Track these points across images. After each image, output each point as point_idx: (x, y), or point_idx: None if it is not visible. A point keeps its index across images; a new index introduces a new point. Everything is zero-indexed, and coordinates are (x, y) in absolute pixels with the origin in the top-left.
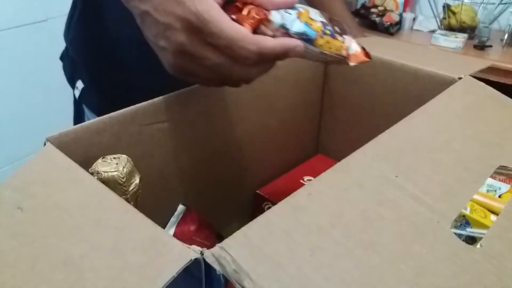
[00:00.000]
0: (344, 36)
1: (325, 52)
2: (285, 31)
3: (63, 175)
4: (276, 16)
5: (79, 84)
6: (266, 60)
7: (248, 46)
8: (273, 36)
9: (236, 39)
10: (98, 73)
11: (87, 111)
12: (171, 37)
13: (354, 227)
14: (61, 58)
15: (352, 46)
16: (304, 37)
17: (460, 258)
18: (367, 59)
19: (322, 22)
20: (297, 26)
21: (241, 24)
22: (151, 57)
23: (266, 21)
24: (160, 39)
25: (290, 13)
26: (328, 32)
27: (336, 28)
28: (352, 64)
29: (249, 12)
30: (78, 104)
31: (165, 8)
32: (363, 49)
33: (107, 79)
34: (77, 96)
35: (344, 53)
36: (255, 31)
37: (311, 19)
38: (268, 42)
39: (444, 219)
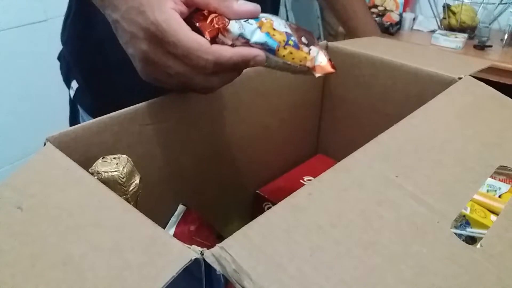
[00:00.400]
0: (311, 47)
1: (288, 62)
2: (245, 41)
3: (63, 175)
4: (234, 26)
5: (74, 84)
6: (224, 69)
7: (205, 56)
8: (232, 46)
9: (193, 49)
10: (91, 73)
11: (81, 111)
12: (135, 45)
13: (354, 227)
14: (59, 58)
15: (318, 57)
16: (265, 47)
17: (460, 258)
18: (332, 70)
19: (286, 32)
20: (257, 36)
21: (203, 32)
22: None
23: (224, 30)
24: (128, 47)
25: (250, 23)
26: (291, 42)
27: (303, 39)
28: (317, 75)
29: (211, 20)
30: (73, 104)
31: (130, 17)
32: (330, 60)
33: (100, 79)
34: (71, 96)
35: (308, 64)
36: (215, 40)
37: (274, 29)
38: (225, 51)
39: (444, 219)
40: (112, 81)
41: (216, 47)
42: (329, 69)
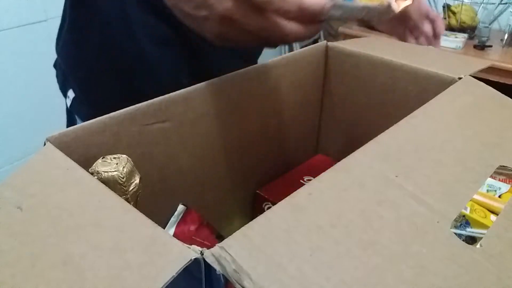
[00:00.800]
0: None
1: (368, 5)
2: None
3: (63, 175)
4: None
5: (70, 94)
6: (306, 15)
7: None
8: None
9: None
10: (87, 82)
11: (78, 121)
12: (215, 5)
13: (354, 227)
14: (54, 66)
15: None
16: None
17: (460, 258)
18: (410, 1)
19: None
20: None
21: None
22: (141, 67)
23: None
24: (201, 10)
25: None
26: None
27: None
28: (399, 9)
29: None
30: (70, 113)
31: None
32: None
33: (96, 88)
34: (68, 105)
35: (385, 2)
36: None
37: None
38: None
39: (444, 219)
40: (109, 90)
41: None
42: (405, 1)
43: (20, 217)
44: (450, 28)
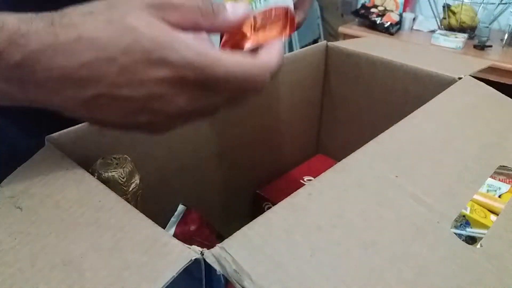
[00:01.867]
0: None
1: None
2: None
3: (63, 175)
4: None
5: None
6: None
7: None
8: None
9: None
10: None
11: None
12: (165, 107)
13: (354, 227)
14: None
15: None
16: None
17: (460, 258)
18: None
19: None
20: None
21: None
22: None
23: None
24: (140, 116)
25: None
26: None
27: None
28: None
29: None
30: None
31: (134, 77)
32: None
33: None
34: None
35: None
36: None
37: None
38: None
39: (444, 219)
40: None
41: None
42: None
43: (20, 217)
44: (450, 28)
